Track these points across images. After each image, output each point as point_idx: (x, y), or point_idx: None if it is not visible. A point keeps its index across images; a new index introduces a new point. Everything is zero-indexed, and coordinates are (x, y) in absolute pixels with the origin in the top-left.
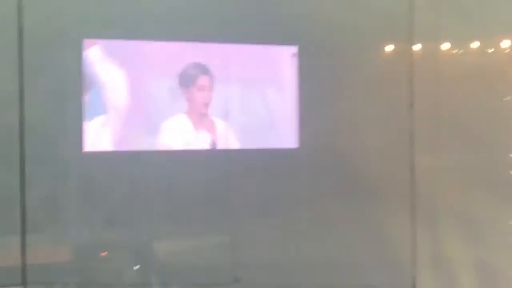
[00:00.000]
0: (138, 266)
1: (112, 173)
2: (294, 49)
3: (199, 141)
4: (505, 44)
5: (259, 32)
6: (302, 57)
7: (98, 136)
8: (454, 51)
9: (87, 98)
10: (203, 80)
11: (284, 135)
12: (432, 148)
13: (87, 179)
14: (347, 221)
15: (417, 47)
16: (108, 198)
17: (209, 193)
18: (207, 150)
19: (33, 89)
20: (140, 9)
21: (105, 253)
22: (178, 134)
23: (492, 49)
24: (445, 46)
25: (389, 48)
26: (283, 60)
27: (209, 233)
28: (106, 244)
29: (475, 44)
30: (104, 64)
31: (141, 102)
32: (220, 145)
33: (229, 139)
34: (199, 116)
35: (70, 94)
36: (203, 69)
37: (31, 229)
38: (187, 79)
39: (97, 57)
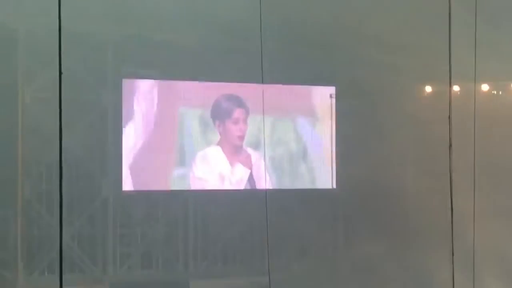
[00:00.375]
0: None
1: (149, 212)
2: (332, 89)
3: (235, 175)
4: None
5: (298, 72)
6: (340, 97)
7: (136, 174)
8: (493, 92)
9: (125, 136)
10: (238, 113)
11: (322, 175)
12: (470, 190)
13: (124, 218)
14: (385, 262)
15: (455, 88)
16: (146, 237)
17: (247, 232)
18: (244, 190)
19: (73, 127)
20: (179, 51)
21: None
22: (213, 167)
23: None
24: (484, 87)
25: (428, 89)
26: (322, 100)
27: (247, 273)
28: (143, 283)
29: None
30: (142, 102)
31: (176, 137)
32: (256, 180)
33: (265, 175)
34: (234, 149)
35: (109, 132)
36: (239, 102)
37: (69, 268)
38: (222, 112)
39: (136, 95)
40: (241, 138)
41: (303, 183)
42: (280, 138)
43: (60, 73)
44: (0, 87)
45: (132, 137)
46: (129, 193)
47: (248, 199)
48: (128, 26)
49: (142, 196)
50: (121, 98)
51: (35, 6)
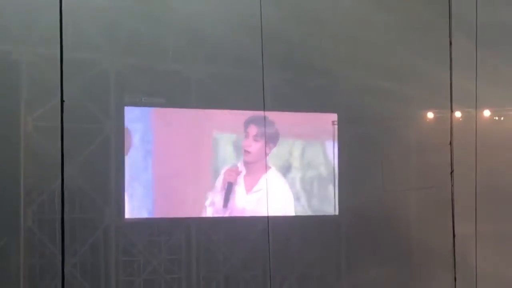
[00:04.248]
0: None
1: (151, 240)
2: (334, 116)
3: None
4: None
5: (300, 99)
6: (341, 124)
7: (138, 203)
8: (494, 118)
9: (127, 164)
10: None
11: (324, 201)
12: (472, 215)
13: (127, 246)
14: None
15: (457, 114)
16: (148, 265)
17: (249, 259)
18: (247, 217)
19: (75, 155)
20: (181, 80)
21: None
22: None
23: None
24: (485, 113)
25: (430, 115)
26: (323, 127)
27: None
28: None
29: None
30: (144, 130)
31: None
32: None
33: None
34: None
35: (112, 160)
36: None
37: None
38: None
39: (137, 123)
40: (247, 153)
41: (305, 209)
42: (283, 164)
43: (62, 101)
44: (3, 115)
45: (136, 165)
46: (131, 220)
47: (251, 226)
48: (130, 55)
49: (144, 224)
50: (123, 126)
51: (37, 35)
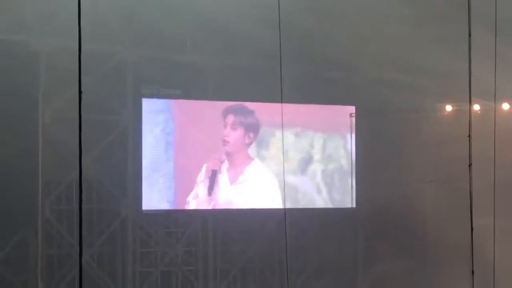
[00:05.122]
0: None
1: (168, 231)
2: (351, 109)
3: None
4: None
5: (317, 92)
6: (359, 116)
7: (156, 193)
8: None
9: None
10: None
11: (341, 193)
12: (490, 208)
13: (144, 237)
14: (405, 281)
15: (476, 107)
16: (165, 256)
17: (266, 252)
18: (265, 209)
19: (93, 147)
20: (198, 71)
21: None
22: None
23: None
24: (504, 106)
25: (448, 108)
26: (341, 119)
27: None
28: None
29: None
30: (162, 121)
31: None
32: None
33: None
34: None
35: (129, 151)
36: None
37: (89, 287)
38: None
39: (155, 115)
40: (226, 142)
41: (321, 202)
42: (302, 156)
43: (80, 92)
44: (21, 106)
45: (152, 156)
46: (148, 212)
47: (268, 218)
48: (148, 46)
49: (161, 216)
50: (141, 118)
51: (55, 27)
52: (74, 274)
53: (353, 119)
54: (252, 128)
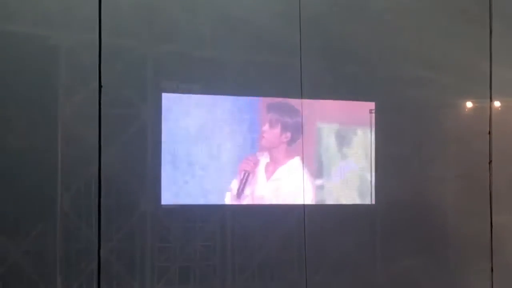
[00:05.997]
0: None
1: (187, 226)
2: (371, 105)
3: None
4: None
5: (337, 87)
6: (379, 112)
7: (175, 188)
8: None
9: (164, 149)
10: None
11: (360, 190)
12: (511, 205)
13: (163, 232)
14: (424, 278)
15: (496, 103)
16: (184, 251)
17: (285, 248)
18: (282, 205)
19: (112, 141)
20: (218, 67)
21: None
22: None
23: None
24: None
25: (468, 104)
26: (361, 115)
27: None
28: None
29: None
30: (181, 116)
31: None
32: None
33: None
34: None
35: (149, 146)
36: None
37: (107, 282)
38: None
39: (175, 109)
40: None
41: (341, 197)
42: (321, 152)
43: (100, 86)
44: (41, 100)
45: (170, 151)
46: (167, 207)
47: (286, 214)
48: (168, 41)
49: (180, 210)
50: (160, 113)
51: (76, 21)
52: (92, 268)
53: (373, 115)
54: (290, 126)
